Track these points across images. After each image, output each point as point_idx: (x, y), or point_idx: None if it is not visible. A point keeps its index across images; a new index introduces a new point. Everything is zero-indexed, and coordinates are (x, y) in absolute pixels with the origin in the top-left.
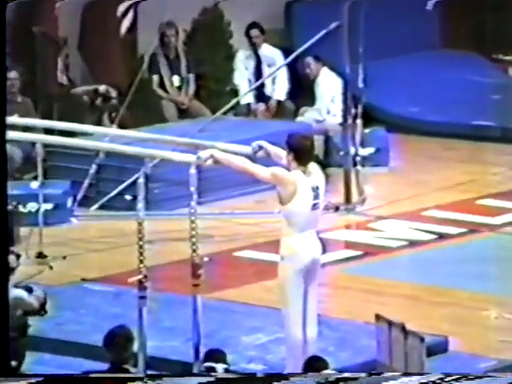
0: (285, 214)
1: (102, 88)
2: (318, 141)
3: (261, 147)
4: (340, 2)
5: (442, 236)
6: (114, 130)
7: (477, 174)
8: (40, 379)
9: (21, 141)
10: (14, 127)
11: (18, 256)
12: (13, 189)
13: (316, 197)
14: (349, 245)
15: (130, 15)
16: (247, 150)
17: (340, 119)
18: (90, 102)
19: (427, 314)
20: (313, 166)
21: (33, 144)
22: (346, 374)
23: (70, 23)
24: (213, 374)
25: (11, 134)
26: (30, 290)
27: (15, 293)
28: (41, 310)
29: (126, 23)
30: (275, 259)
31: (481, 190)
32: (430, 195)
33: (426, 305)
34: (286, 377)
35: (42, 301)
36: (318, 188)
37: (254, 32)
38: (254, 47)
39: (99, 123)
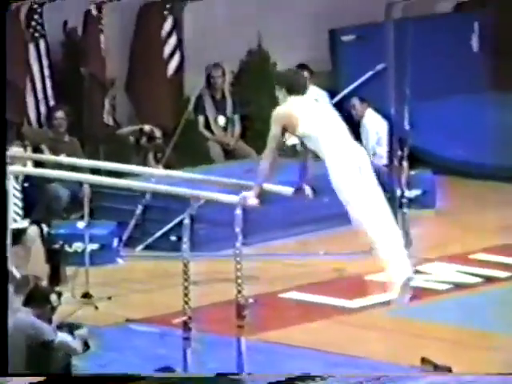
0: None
1: (147, 128)
2: None
3: (300, 189)
4: (386, 42)
5: (489, 279)
6: (159, 171)
7: None
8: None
9: (68, 181)
10: (62, 167)
11: (60, 294)
12: (59, 228)
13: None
14: None
15: (177, 56)
16: (290, 190)
17: (386, 161)
18: (135, 141)
19: (473, 359)
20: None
21: (80, 184)
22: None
23: (117, 64)
24: None
25: (58, 173)
26: (72, 328)
27: (60, 336)
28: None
29: (173, 64)
30: (321, 301)
31: None
32: (478, 238)
33: (472, 349)
34: None
35: (85, 339)
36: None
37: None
38: None
39: (144, 163)
